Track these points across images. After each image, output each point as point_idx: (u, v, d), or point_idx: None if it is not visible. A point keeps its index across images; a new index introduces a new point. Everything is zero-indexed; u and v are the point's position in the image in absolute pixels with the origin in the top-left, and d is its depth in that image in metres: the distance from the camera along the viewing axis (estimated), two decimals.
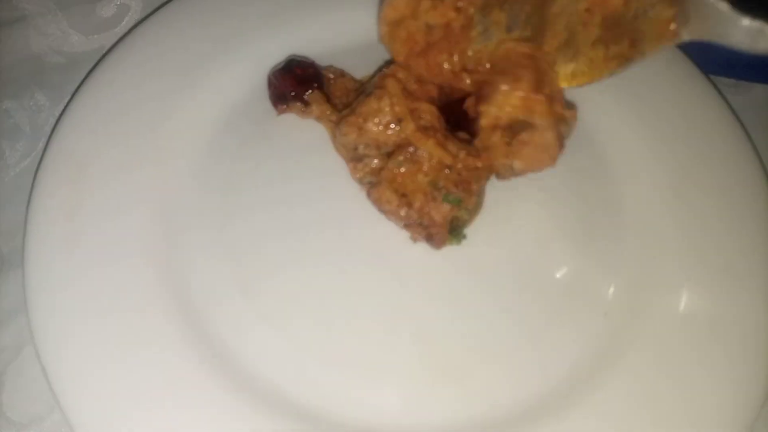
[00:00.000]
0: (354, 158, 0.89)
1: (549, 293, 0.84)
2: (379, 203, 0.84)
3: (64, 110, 0.90)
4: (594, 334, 0.81)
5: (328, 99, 0.94)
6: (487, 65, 0.79)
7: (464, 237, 0.85)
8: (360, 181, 0.89)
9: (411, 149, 0.83)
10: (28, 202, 0.84)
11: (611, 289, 0.85)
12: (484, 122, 0.76)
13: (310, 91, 0.92)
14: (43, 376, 0.74)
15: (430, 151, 0.81)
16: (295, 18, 1.00)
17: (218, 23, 0.98)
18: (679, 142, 0.93)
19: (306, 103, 0.92)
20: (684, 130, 0.93)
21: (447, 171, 0.82)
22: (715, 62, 1.05)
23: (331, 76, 0.96)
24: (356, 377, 0.78)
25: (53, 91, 1.00)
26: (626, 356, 0.79)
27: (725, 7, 0.57)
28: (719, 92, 0.97)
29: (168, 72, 0.93)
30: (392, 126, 0.83)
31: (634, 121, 0.95)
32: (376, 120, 0.84)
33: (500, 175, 0.83)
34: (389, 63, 0.88)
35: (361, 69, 0.99)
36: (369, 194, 0.85)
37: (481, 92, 0.74)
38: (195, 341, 0.77)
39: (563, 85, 0.77)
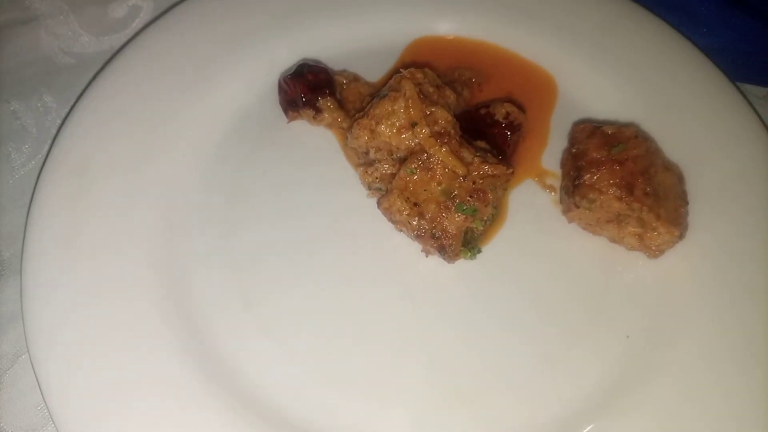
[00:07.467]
0: (365, 163, 0.85)
1: (568, 315, 0.79)
2: (389, 212, 0.80)
3: (69, 112, 0.88)
4: (614, 358, 0.77)
5: (341, 105, 0.91)
6: None
7: (479, 251, 0.81)
8: (369, 185, 0.85)
9: (424, 156, 0.79)
10: (30, 205, 0.81)
11: (635, 312, 0.80)
12: None
13: (321, 97, 0.89)
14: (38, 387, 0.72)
15: (443, 159, 0.78)
16: (307, 20, 0.97)
17: (227, 25, 0.95)
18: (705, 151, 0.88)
19: (318, 110, 0.89)
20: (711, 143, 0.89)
21: (461, 180, 0.78)
22: (747, 71, 1.01)
23: (344, 81, 0.93)
24: (364, 398, 0.74)
25: (61, 93, 0.98)
26: (646, 381, 0.75)
27: None
28: (749, 102, 0.92)
29: (175, 74, 0.91)
30: (405, 130, 0.80)
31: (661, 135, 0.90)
32: (389, 123, 0.80)
33: None
34: (406, 66, 0.85)
35: (375, 73, 0.96)
36: (379, 203, 0.81)
37: None
38: (196, 356, 0.74)
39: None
